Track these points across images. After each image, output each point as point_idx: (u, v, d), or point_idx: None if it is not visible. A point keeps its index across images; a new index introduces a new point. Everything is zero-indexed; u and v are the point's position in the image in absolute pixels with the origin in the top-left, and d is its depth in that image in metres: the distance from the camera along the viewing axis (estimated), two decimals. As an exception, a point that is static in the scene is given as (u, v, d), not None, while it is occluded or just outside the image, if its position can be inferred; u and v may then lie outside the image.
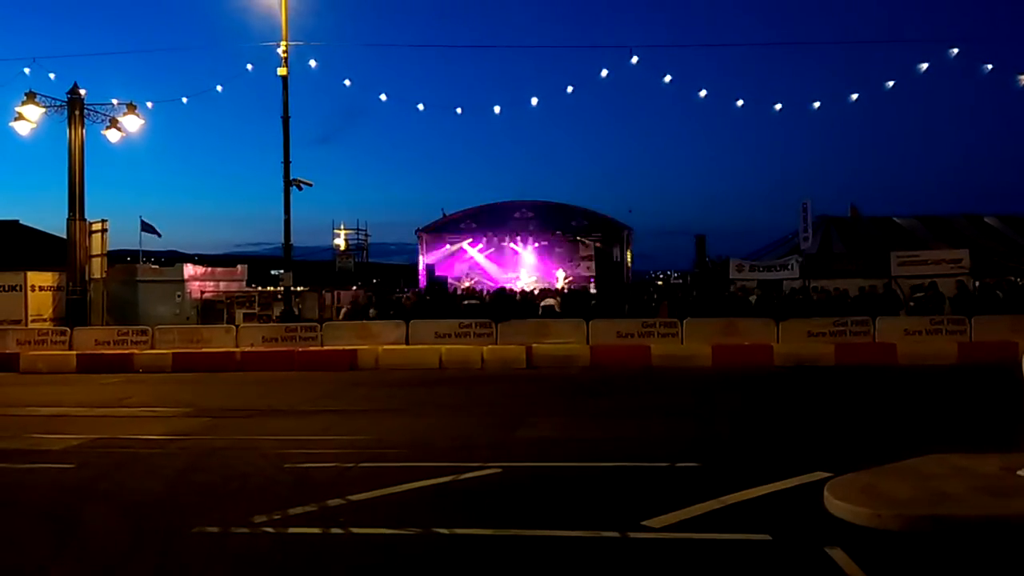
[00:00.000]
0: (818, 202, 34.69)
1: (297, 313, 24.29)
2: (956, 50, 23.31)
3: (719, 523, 6.26)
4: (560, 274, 42.28)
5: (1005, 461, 7.10)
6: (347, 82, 27.58)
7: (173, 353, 20.14)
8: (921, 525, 5.94)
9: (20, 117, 22.62)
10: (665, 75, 25.73)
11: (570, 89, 27.70)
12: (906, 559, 5.43)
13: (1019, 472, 6.81)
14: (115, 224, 24.22)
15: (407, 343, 20.13)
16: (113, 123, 23.76)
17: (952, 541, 5.71)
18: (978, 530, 5.84)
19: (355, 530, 6.28)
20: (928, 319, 19.04)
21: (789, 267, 25.11)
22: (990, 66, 23.59)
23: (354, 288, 35.30)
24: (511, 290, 30.40)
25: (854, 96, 25.93)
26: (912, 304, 20.57)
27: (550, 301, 23.61)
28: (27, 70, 24.15)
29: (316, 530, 6.30)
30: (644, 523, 6.22)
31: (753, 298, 22.09)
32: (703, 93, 26.81)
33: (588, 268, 42.37)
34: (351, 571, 5.49)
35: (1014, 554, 5.47)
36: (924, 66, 23.86)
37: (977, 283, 22.72)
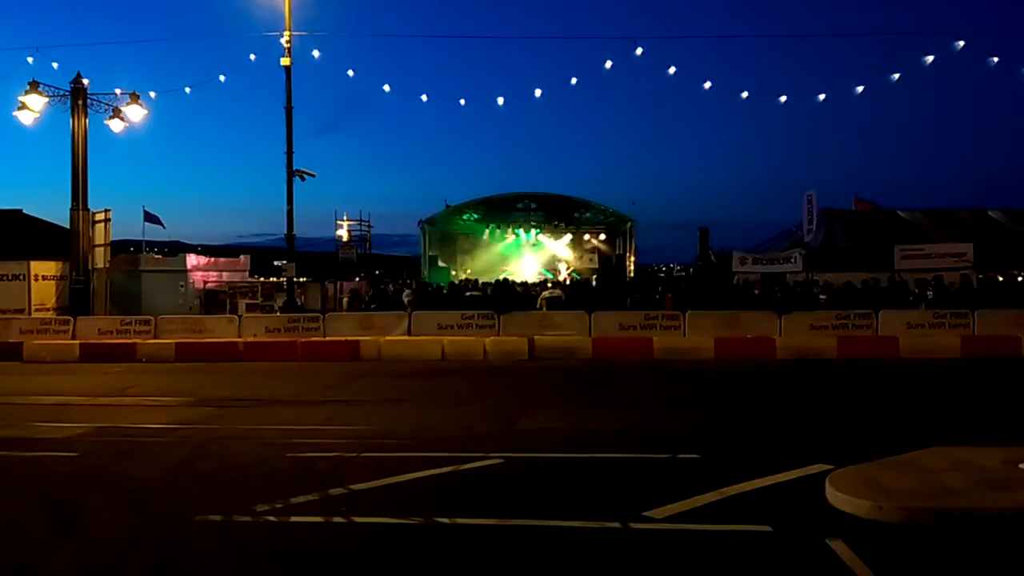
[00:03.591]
0: (822, 195, 34.61)
1: (300, 304, 24.31)
2: (962, 43, 23.23)
3: (720, 514, 6.27)
4: (562, 266, 42.30)
5: (1007, 454, 7.10)
6: (350, 72, 27.55)
7: (176, 343, 20.19)
8: (922, 518, 5.94)
9: (23, 107, 22.61)
10: (670, 67, 25.67)
11: (574, 81, 27.63)
12: (907, 551, 5.43)
13: (1021, 466, 6.81)
14: (118, 214, 24.27)
15: (409, 334, 20.15)
16: (116, 113, 23.76)
17: (953, 534, 5.71)
18: (980, 523, 5.84)
19: (357, 519, 6.29)
20: (931, 312, 19.01)
21: (792, 260, 25.06)
22: (996, 59, 23.55)
23: (357, 279, 35.29)
24: (513, 282, 30.40)
25: (859, 89, 25.88)
26: (930, 295, 20.40)
27: (556, 292, 23.59)
28: (30, 59, 24.15)
29: (318, 519, 6.32)
30: (646, 514, 6.23)
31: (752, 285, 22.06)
32: (708, 85, 26.76)
33: (591, 260, 42.40)
34: (353, 559, 5.50)
35: (1015, 547, 5.47)
36: (930, 58, 23.80)
37: (980, 276, 22.67)
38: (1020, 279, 24.57)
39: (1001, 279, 24.38)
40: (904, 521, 5.92)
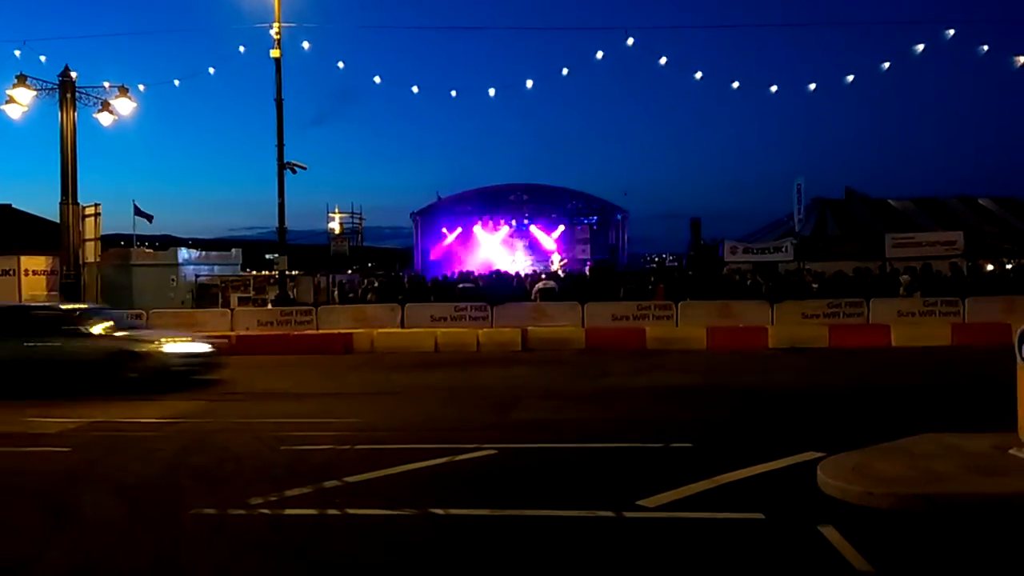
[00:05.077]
0: (814, 184, 34.71)
1: (292, 297, 24.26)
2: (952, 31, 23.28)
3: (712, 502, 6.31)
4: (555, 257, 42.28)
5: (997, 440, 7.16)
6: (341, 64, 27.46)
7: (168, 337, 20.10)
8: (913, 503, 5.99)
9: (11, 100, 22.38)
10: (661, 57, 25.66)
11: (565, 71, 27.61)
12: (898, 537, 5.47)
13: (1010, 451, 6.87)
14: (108, 208, 24.19)
15: (402, 327, 20.16)
16: (105, 106, 23.57)
17: (943, 519, 5.76)
18: (969, 508, 5.89)
19: (351, 511, 6.30)
20: (921, 300, 19.12)
21: (783, 249, 25.11)
22: (986, 47, 23.58)
23: (349, 272, 35.25)
24: (506, 273, 30.38)
25: (850, 78, 25.90)
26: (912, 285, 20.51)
27: (550, 283, 23.61)
28: (17, 52, 23.95)
29: (312, 511, 6.33)
30: (639, 503, 6.26)
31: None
32: (699, 75, 26.75)
33: (583, 251, 42.41)
34: (347, 552, 5.51)
35: (1005, 532, 5.52)
36: (920, 47, 23.84)
37: (969, 264, 22.79)
38: (1009, 266, 24.70)
39: (991, 267, 24.53)
40: (894, 507, 5.97)
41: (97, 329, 13.82)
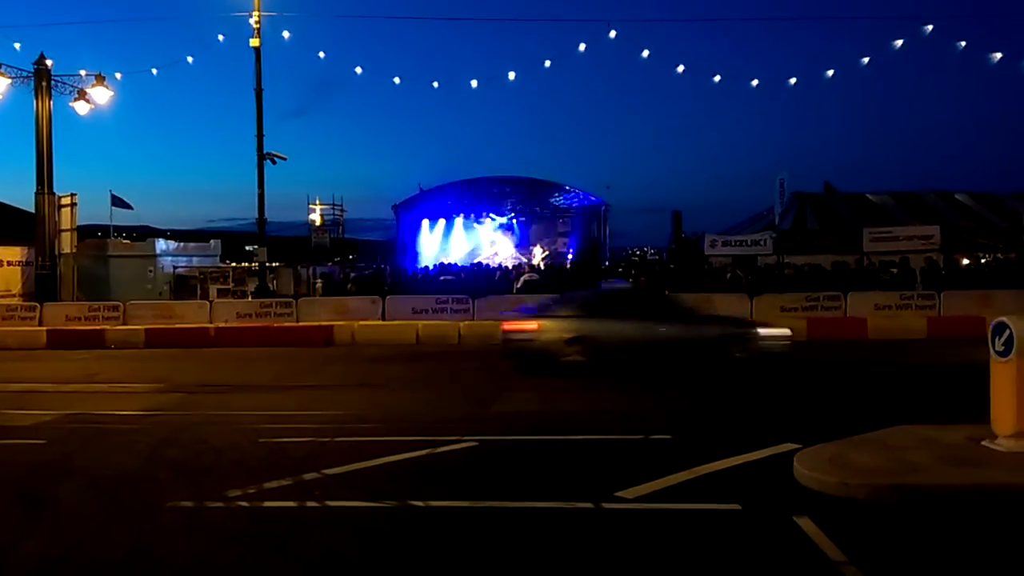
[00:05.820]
0: (794, 178, 34.93)
1: (272, 289, 24.10)
2: (931, 27, 23.52)
3: (690, 493, 6.36)
4: (537, 250, 42.33)
5: (970, 432, 7.26)
6: (321, 54, 27.31)
7: (145, 329, 19.95)
8: (888, 494, 6.07)
9: (-16, 88, 22.07)
10: (643, 50, 25.73)
11: (548, 63, 27.62)
12: (873, 527, 5.55)
13: (983, 443, 6.98)
14: (85, 198, 23.94)
15: (384, 319, 20.09)
16: (81, 95, 23.29)
17: (918, 510, 5.84)
18: (943, 499, 5.98)
19: (331, 503, 6.29)
20: (898, 294, 19.37)
21: (763, 243, 25.30)
22: (964, 44, 23.86)
23: (330, 264, 35.07)
24: (488, 265, 30.41)
25: (830, 73, 26.13)
26: (887, 277, 20.82)
27: (535, 276, 23.65)
28: (-9, 40, 23.58)
29: (291, 503, 6.30)
30: (618, 494, 6.29)
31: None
32: (681, 69, 26.87)
33: (565, 244, 42.50)
34: (326, 543, 5.50)
35: (977, 522, 5.61)
36: (900, 43, 24.08)
37: (943, 258, 23.08)
38: (984, 261, 25.05)
39: (967, 261, 24.86)
40: (870, 497, 6.04)
41: (699, 313, 14.57)
